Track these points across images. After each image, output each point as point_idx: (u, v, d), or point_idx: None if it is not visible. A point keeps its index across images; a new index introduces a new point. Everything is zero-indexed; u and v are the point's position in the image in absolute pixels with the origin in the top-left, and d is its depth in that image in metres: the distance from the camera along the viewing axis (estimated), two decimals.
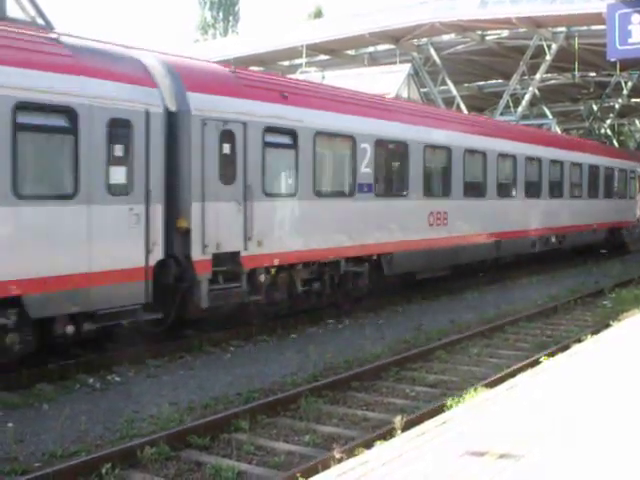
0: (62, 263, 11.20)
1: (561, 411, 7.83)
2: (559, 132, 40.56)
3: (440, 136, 20.89)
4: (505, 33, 37.57)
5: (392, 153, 19.21)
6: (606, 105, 52.77)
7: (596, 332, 14.73)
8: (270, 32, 43.95)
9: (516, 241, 24.83)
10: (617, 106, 52.44)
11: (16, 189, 10.59)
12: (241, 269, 14.30)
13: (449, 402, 10.05)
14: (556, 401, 8.25)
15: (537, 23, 34.78)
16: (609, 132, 57.68)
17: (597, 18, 31.46)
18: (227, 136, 14.02)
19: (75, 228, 11.38)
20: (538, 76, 39.18)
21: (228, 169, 14.05)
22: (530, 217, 26.08)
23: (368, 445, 8.44)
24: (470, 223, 22.10)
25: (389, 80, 24.84)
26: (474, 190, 22.37)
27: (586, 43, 36.41)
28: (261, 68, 40.54)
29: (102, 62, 12.18)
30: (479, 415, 7.84)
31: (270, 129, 14.97)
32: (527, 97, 40.08)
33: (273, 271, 15.29)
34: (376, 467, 6.25)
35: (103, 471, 7.84)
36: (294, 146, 15.69)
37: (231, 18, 78.79)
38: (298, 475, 7.37)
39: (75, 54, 11.71)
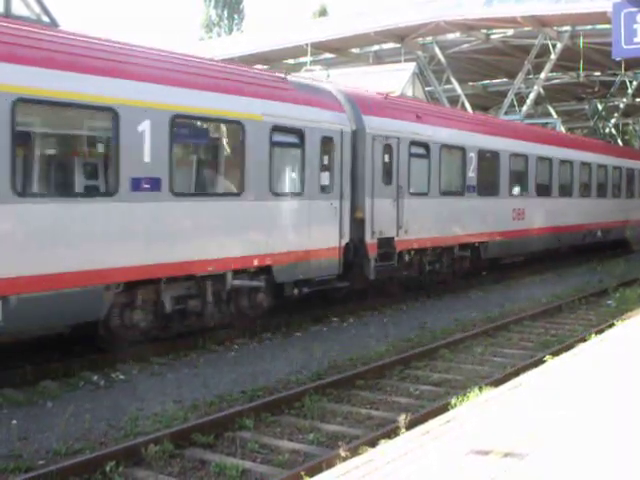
0: (297, 242, 15.41)
1: (566, 410, 7.83)
2: (564, 131, 40.49)
3: (520, 146, 24.83)
4: (510, 32, 37.47)
5: (489, 160, 22.76)
6: (611, 104, 52.64)
7: (600, 331, 14.71)
8: (275, 30, 43.91)
9: (572, 234, 28.52)
10: (622, 105, 52.35)
11: (271, 189, 14.72)
12: (394, 251, 18.34)
13: (453, 401, 10.05)
14: (560, 400, 8.24)
15: (542, 22, 34.68)
16: (614, 131, 57.54)
17: (602, 17, 31.37)
18: (387, 148, 18.21)
19: (302, 216, 15.58)
20: (543, 75, 39.08)
21: (387, 173, 18.20)
22: (582, 214, 29.41)
23: (372, 444, 8.44)
24: (540, 218, 25.95)
25: (394, 79, 24.79)
26: (543, 190, 26.14)
27: (591, 42, 36.32)
28: (266, 66, 40.52)
29: (312, 94, 16.43)
30: (483, 414, 7.83)
31: (413, 142, 19.19)
32: (532, 96, 39.96)
33: (412, 253, 19.37)
34: (380, 466, 6.25)
35: (107, 469, 7.86)
36: (427, 156, 19.79)
37: (236, 16, 78.71)
38: (302, 473, 7.37)
39: (297, 89, 15.99)
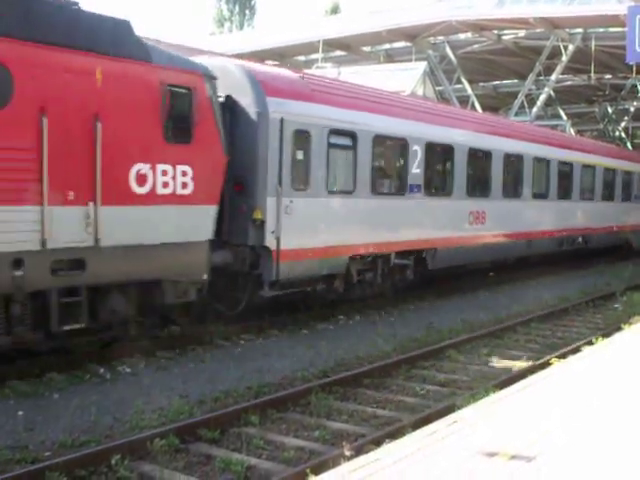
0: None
1: (572, 413, 7.81)
2: (573, 134, 40.39)
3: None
4: (522, 33, 37.39)
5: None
6: (621, 108, 52.55)
7: (607, 335, 14.68)
8: (287, 27, 43.93)
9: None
10: (632, 109, 52.24)
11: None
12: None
13: (459, 402, 10.04)
14: (567, 403, 8.22)
15: (554, 24, 34.62)
16: (623, 135, 57.44)
17: (614, 20, 31.33)
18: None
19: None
20: (554, 77, 38.99)
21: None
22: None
23: (378, 443, 8.43)
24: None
25: (405, 77, 24.80)
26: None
27: (602, 45, 36.23)
28: (276, 62, 40.51)
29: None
30: (490, 415, 7.82)
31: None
32: (542, 98, 39.92)
33: None
34: (387, 465, 6.24)
35: (113, 462, 7.87)
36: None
37: (247, 12, 78.77)
38: (308, 471, 7.35)
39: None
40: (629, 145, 56.06)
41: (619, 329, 15.53)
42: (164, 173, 12.04)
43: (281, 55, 41.81)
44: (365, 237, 16.85)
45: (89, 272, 11.01)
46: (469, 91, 41.11)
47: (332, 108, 16.01)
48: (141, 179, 11.67)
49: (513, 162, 23.52)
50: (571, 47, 36.45)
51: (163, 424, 9.12)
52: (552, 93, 42.55)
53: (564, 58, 37.11)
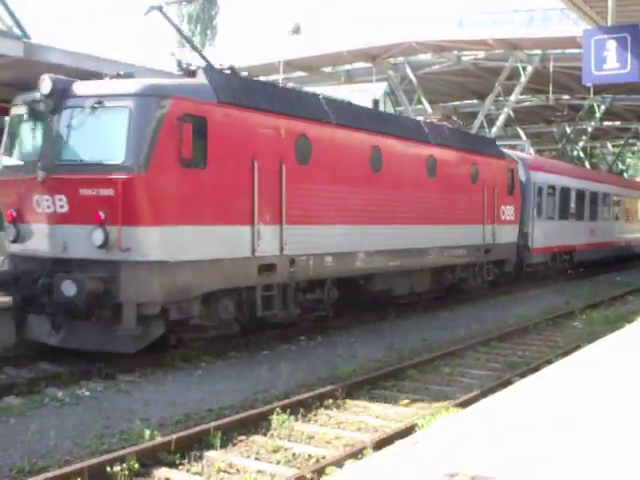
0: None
1: (532, 433, 7.85)
2: (532, 153, 40.89)
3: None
4: (481, 54, 37.88)
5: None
6: (579, 127, 53.30)
7: (566, 354, 14.82)
8: (248, 47, 43.98)
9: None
10: (590, 129, 52.97)
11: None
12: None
13: (420, 422, 10.06)
14: (527, 423, 8.27)
15: (513, 45, 35.11)
16: (582, 154, 58.22)
17: (571, 42, 31.80)
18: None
19: None
20: (513, 97, 39.52)
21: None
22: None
23: (339, 464, 8.44)
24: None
25: (366, 98, 24.94)
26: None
27: (561, 66, 36.79)
28: None
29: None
30: (451, 435, 7.84)
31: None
32: (501, 118, 40.40)
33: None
34: None
35: None
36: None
37: (209, 32, 78.90)
38: None
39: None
40: (587, 164, 56.75)
41: (578, 347, 15.67)
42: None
43: None
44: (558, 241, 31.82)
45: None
46: (429, 111, 41.44)
47: (548, 174, 31.24)
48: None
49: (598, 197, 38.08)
50: (530, 68, 36.97)
51: (123, 448, 9.03)
52: (511, 113, 43.09)
53: (523, 79, 37.64)
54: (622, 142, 63.13)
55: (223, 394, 11.81)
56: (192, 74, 14.44)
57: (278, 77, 36.86)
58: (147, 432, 9.49)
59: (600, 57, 8.95)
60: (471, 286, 24.36)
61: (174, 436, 9.18)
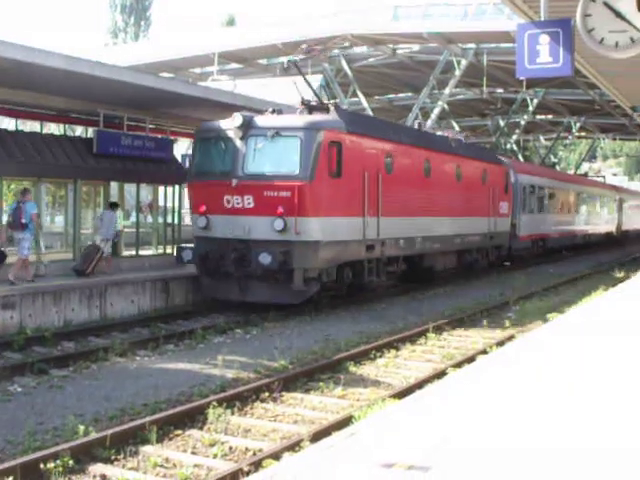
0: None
1: (467, 423, 7.93)
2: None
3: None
4: (416, 47, 38.11)
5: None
6: (512, 121, 53.98)
7: (501, 344, 15.01)
8: (182, 39, 43.65)
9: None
10: (523, 122, 53.69)
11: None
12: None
13: (357, 414, 10.08)
14: (462, 413, 8.35)
15: (447, 39, 35.38)
16: (515, 147, 59.00)
17: (505, 36, 32.20)
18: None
19: None
20: (447, 91, 39.82)
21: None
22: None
23: (277, 457, 8.42)
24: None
25: (302, 91, 24.85)
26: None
27: (494, 60, 37.20)
28: (171, 74, 40.18)
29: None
30: (387, 426, 7.87)
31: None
32: (436, 111, 40.70)
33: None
34: None
35: None
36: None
37: (143, 23, 78.05)
38: None
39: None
40: (520, 157, 57.53)
41: (512, 338, 15.90)
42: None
43: (176, 68, 41.51)
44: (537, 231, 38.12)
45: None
46: (365, 104, 41.60)
47: (530, 176, 37.70)
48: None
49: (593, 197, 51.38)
50: (464, 62, 37.26)
51: (57, 444, 8.89)
52: (446, 106, 43.40)
53: (457, 72, 37.91)
54: (554, 135, 64.19)
55: (159, 388, 11.70)
56: (326, 110, 20.10)
57: (213, 69, 36.66)
58: (81, 428, 9.36)
59: (533, 51, 9.07)
60: (481, 265, 30.78)
61: (109, 432, 9.08)
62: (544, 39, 9.03)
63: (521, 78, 10.87)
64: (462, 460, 6.75)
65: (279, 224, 18.04)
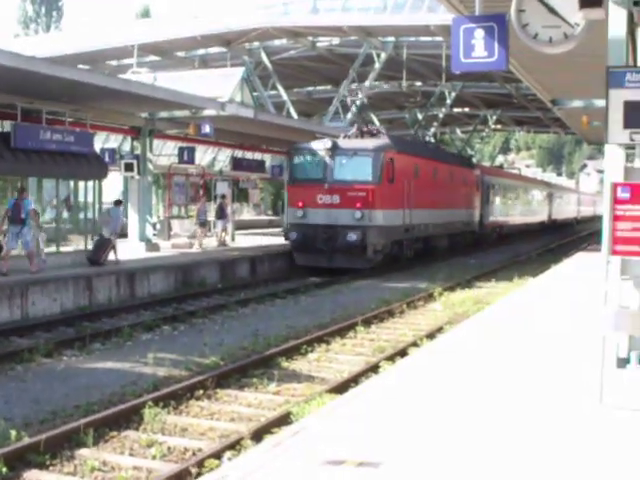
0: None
1: (407, 416, 7.92)
2: None
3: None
4: (336, 40, 38.12)
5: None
6: (430, 114, 54.51)
7: (431, 336, 15.12)
8: (97, 30, 42.87)
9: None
10: (441, 115, 54.26)
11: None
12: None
13: (295, 410, 10.00)
14: (400, 406, 8.34)
15: (367, 32, 35.47)
16: (432, 139, 59.62)
17: (424, 30, 32.45)
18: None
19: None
20: (367, 83, 39.95)
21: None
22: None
23: (218, 456, 8.28)
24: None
25: (224, 84, 24.75)
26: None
27: (414, 53, 37.46)
28: (87, 66, 39.38)
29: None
30: (331, 423, 7.81)
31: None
32: (356, 104, 40.79)
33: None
34: None
35: None
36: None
37: (55, 13, 76.54)
38: None
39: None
40: None
41: (441, 329, 16.02)
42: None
43: (93, 60, 40.69)
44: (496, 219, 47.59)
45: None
46: (284, 97, 41.47)
47: (494, 177, 47.95)
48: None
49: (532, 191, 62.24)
50: (383, 55, 37.41)
51: None
52: (365, 100, 43.50)
53: (377, 65, 38.05)
54: (471, 128, 65.04)
55: (90, 389, 11.41)
56: (377, 134, 29.97)
57: (130, 61, 36.06)
58: (13, 433, 9.02)
59: (469, 45, 9.07)
60: (461, 245, 39.35)
61: (43, 436, 8.77)
62: (479, 33, 9.04)
63: (457, 72, 10.87)
64: (412, 454, 6.72)
65: (358, 214, 26.66)
